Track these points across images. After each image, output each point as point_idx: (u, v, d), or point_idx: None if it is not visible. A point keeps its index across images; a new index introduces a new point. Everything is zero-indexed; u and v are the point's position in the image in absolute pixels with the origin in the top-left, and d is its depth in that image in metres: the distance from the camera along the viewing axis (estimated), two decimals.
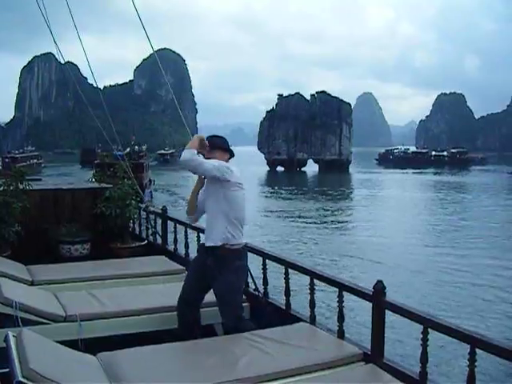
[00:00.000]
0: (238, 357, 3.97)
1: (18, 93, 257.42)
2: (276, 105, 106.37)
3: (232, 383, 3.63)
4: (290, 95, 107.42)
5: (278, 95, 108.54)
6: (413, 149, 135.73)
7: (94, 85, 12.09)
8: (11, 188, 7.97)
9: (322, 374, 3.87)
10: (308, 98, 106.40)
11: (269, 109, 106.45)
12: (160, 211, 8.57)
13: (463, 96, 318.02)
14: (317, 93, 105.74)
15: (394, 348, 9.63)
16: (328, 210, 36.55)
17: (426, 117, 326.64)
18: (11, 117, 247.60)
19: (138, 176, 34.12)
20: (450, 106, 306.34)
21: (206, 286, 4.83)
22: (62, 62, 10.97)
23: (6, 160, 59.10)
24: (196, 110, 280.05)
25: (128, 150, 66.07)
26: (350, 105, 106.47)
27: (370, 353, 4.12)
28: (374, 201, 43.82)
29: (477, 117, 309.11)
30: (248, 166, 76.04)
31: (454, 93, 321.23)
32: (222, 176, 4.48)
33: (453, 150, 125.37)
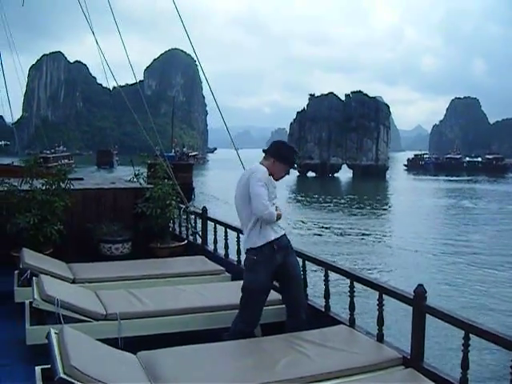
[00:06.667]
0: (278, 358, 3.97)
1: (25, 92, 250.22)
2: (307, 105, 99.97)
3: None
4: (322, 95, 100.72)
5: (310, 95, 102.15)
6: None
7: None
8: (53, 187, 8.10)
9: (361, 378, 3.85)
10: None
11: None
12: (200, 211, 8.62)
13: (478, 100, 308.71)
14: (352, 93, 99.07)
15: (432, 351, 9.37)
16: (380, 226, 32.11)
17: (440, 121, 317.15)
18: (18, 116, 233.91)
19: (188, 176, 34.80)
20: (464, 110, 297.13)
21: None
22: (104, 65, 10.59)
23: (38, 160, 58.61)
24: (206, 111, 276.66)
25: (173, 151, 67.41)
26: (388, 106, 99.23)
27: (409, 357, 4.07)
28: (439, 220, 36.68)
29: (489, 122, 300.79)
30: None
31: (469, 97, 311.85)
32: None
33: (488, 156, 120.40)
